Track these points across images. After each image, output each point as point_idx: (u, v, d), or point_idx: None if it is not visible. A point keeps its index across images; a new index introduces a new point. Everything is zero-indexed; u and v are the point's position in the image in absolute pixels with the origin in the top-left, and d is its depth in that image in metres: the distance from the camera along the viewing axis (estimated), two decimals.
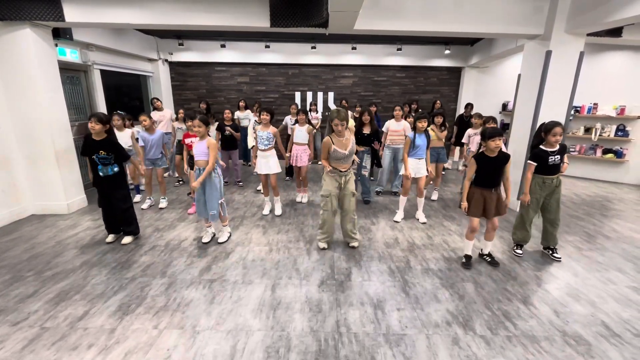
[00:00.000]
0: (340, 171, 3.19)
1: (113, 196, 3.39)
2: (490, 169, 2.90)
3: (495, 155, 2.87)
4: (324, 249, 3.41)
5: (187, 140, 4.21)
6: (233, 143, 5.46)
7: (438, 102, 6.99)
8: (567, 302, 2.60)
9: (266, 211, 4.42)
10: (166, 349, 2.06)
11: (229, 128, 5.34)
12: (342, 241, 3.60)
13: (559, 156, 3.06)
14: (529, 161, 3.16)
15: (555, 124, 2.99)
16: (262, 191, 5.27)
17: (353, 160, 3.28)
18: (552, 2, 4.06)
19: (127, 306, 2.47)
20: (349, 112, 5.46)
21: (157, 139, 4.43)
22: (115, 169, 3.33)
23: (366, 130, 4.53)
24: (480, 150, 2.97)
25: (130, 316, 2.36)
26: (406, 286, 2.79)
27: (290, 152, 4.73)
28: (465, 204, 3.02)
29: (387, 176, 5.37)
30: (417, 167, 4.11)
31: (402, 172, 4.25)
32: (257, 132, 4.17)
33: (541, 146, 3.12)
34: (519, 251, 3.38)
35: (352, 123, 5.14)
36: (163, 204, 4.64)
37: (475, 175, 2.99)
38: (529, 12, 4.14)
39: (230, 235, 3.67)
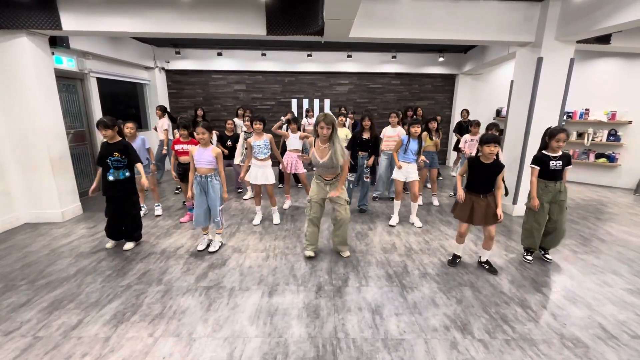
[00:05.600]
0: (325, 179, 3.12)
1: (124, 201, 3.39)
2: (482, 175, 2.91)
3: (490, 162, 2.88)
4: (310, 257, 3.34)
5: (177, 147, 4.18)
6: (232, 153, 5.45)
7: (420, 109, 6.82)
8: (564, 305, 2.60)
9: (257, 221, 4.31)
10: (162, 357, 2.03)
11: (230, 142, 5.36)
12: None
13: (560, 162, 3.06)
14: (531, 165, 3.18)
15: (559, 130, 3.00)
16: (251, 200, 5.25)
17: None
18: (542, 10, 4.17)
19: (122, 314, 2.44)
20: (338, 118, 5.38)
21: (139, 146, 4.28)
22: (127, 174, 3.35)
23: (366, 136, 4.52)
24: (477, 155, 2.97)
25: (125, 324, 2.33)
26: (404, 291, 2.78)
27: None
28: (462, 192, 2.97)
29: (384, 182, 5.39)
30: (406, 171, 4.14)
31: (393, 176, 4.26)
32: (253, 142, 4.06)
33: (544, 151, 3.13)
34: (529, 257, 3.33)
35: (345, 133, 5.15)
36: (158, 211, 4.62)
37: (467, 179, 3.01)
38: (520, 20, 4.24)
39: (221, 245, 3.62)
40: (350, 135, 5.09)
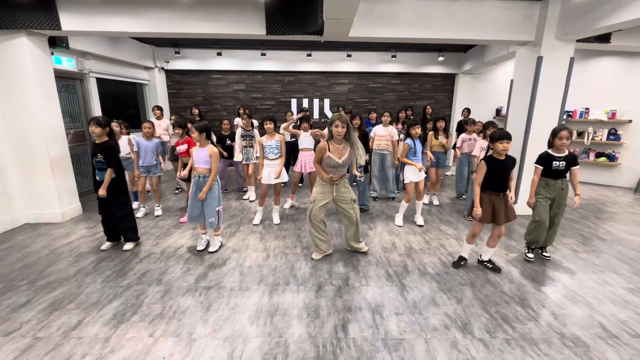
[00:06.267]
0: (332, 179, 3.10)
1: (110, 202, 3.36)
2: (498, 172, 2.88)
3: (503, 159, 2.87)
4: (327, 254, 3.37)
5: (178, 148, 4.20)
6: (232, 153, 5.45)
7: (429, 107, 6.84)
8: (565, 304, 2.60)
9: (256, 221, 4.30)
10: (162, 358, 2.03)
11: (229, 141, 5.39)
12: (339, 247, 3.58)
13: (564, 162, 3.06)
14: (534, 164, 3.19)
15: (562, 127, 3.03)
16: (251, 200, 5.24)
17: (348, 170, 3.21)
18: (542, 9, 4.16)
19: (122, 314, 2.44)
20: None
21: (152, 147, 4.41)
22: (112, 175, 3.31)
23: (355, 134, 4.50)
24: (489, 154, 2.94)
25: (126, 324, 2.33)
26: (404, 290, 2.78)
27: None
28: (479, 210, 2.88)
29: (380, 181, 5.38)
30: (416, 171, 4.14)
31: (408, 179, 4.19)
32: (264, 142, 4.08)
33: (548, 150, 3.14)
34: (530, 255, 3.33)
35: None
36: (158, 211, 4.61)
37: (483, 179, 2.95)
38: (519, 19, 4.23)
39: (221, 245, 3.61)
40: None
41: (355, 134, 4.41)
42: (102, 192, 3.24)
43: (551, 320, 2.41)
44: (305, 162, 4.69)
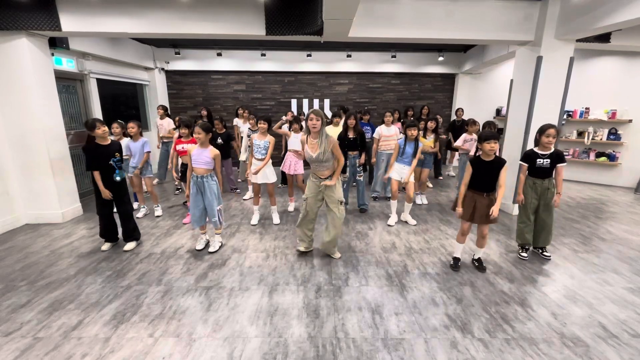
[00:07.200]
0: (320, 177, 3.13)
1: (121, 200, 3.41)
2: (484, 173, 2.90)
3: (491, 160, 2.88)
4: (301, 252, 3.40)
5: (179, 147, 4.19)
6: (226, 152, 5.42)
7: (426, 107, 6.70)
8: (565, 304, 2.60)
9: (254, 221, 4.30)
10: (162, 358, 2.03)
11: (220, 140, 5.37)
12: (340, 246, 3.58)
13: (548, 160, 3.09)
14: (520, 162, 3.24)
15: (549, 125, 3.05)
16: (251, 200, 5.24)
17: (344, 169, 3.23)
18: (542, 9, 4.16)
19: (122, 315, 2.44)
20: (334, 119, 5.31)
21: (139, 147, 4.37)
22: (124, 173, 3.42)
23: (351, 135, 4.50)
24: (477, 154, 2.96)
25: (126, 325, 2.33)
26: (404, 290, 2.78)
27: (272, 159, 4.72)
28: (460, 210, 2.99)
29: (382, 182, 5.38)
30: (401, 171, 4.17)
31: (389, 174, 4.26)
32: (254, 140, 4.12)
33: (534, 148, 3.18)
34: (523, 254, 3.38)
35: (333, 131, 5.10)
36: (158, 211, 4.62)
37: (470, 178, 2.99)
38: (519, 19, 4.23)
39: (221, 245, 3.62)
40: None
41: (351, 134, 4.49)
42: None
43: (551, 320, 2.41)
44: (292, 163, 4.67)
